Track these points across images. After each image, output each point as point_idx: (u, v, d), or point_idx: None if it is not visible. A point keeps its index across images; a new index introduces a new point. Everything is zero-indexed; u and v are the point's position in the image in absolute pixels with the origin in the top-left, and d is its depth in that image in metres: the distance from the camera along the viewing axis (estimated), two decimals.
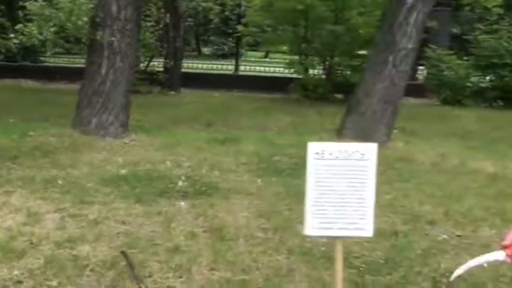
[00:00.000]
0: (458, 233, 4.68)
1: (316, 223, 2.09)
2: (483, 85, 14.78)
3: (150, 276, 3.53)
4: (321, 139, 8.26)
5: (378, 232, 3.72)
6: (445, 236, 4.58)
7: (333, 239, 2.22)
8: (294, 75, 14.72)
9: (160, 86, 14.32)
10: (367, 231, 2.14)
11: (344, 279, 3.63)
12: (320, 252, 4.05)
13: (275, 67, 17.95)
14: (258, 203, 5.18)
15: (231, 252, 3.97)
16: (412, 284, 3.63)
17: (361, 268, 3.78)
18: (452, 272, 3.80)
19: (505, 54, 14.16)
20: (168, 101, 12.86)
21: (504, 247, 1.35)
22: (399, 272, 3.77)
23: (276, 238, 4.33)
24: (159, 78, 14.55)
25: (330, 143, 2.12)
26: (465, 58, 15.33)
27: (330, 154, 2.04)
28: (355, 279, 3.63)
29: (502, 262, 1.40)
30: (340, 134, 8.37)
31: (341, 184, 2.06)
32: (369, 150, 2.07)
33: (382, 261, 3.92)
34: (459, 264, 3.97)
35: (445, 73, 14.67)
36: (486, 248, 4.35)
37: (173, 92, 14.20)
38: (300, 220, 4.73)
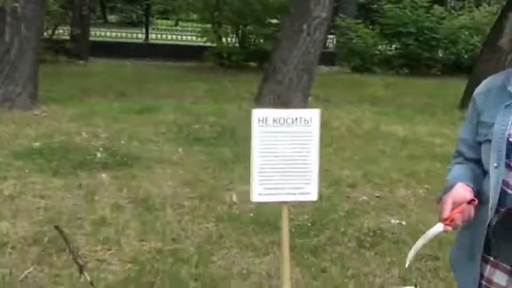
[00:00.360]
0: (377, 194, 4.90)
1: (262, 190, 2.08)
2: (389, 53, 15.38)
3: (77, 250, 3.40)
4: (240, 107, 8.28)
5: None
6: (365, 198, 4.77)
7: (278, 204, 2.23)
8: (207, 44, 14.56)
9: (67, 55, 13.67)
10: (313, 195, 2.17)
11: (274, 243, 3.72)
12: (249, 218, 4.09)
13: (187, 35, 17.66)
14: (182, 173, 5.13)
15: (159, 222, 3.92)
16: (338, 245, 3.75)
17: (290, 232, 3.84)
18: (374, 231, 4.00)
19: (409, 23, 14.77)
20: (77, 70, 12.31)
21: (444, 220, 1.43)
22: (325, 234, 3.88)
23: (203, 206, 4.32)
24: (66, 46, 13.87)
25: (274, 109, 2.11)
26: (371, 27, 15.83)
27: (274, 121, 2.03)
28: None
29: (442, 232, 1.49)
30: (258, 101, 8.41)
31: (286, 150, 2.06)
32: (313, 116, 2.09)
33: (309, 224, 4.02)
34: (381, 223, 4.20)
35: (354, 41, 15.10)
36: (403, 207, 4.61)
37: (81, 61, 13.60)
38: (227, 187, 4.78)
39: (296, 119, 2.05)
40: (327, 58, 14.56)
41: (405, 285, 3.14)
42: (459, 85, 11.65)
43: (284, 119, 2.04)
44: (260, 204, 3.93)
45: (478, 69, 9.56)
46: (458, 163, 1.66)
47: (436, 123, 8.29)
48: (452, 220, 1.43)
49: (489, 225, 1.49)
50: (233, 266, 3.36)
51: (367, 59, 14.83)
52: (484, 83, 1.62)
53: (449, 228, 1.43)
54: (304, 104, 8.37)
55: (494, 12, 15.18)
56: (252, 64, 14.22)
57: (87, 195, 4.35)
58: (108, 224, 3.81)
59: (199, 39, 15.78)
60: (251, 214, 4.14)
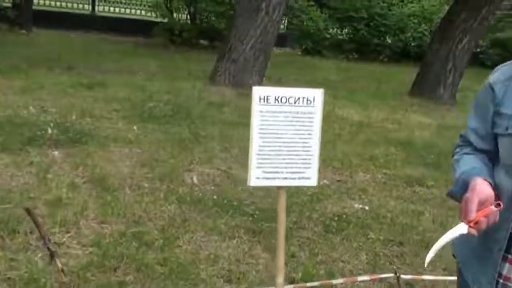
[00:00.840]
0: (337, 178, 4.88)
1: (260, 173, 1.97)
2: (340, 37, 15.43)
3: (32, 232, 3.19)
4: (194, 86, 8.09)
5: None
6: (326, 182, 4.74)
7: (276, 189, 2.12)
8: (158, 19, 14.15)
9: (9, 24, 12.94)
10: (312, 180, 2.07)
11: (240, 227, 3.63)
12: (212, 201, 3.98)
13: (136, 9, 17.09)
14: (138, 152, 4.94)
15: (119, 203, 3.74)
16: (305, 229, 3.70)
17: (255, 216, 3.78)
18: (339, 215, 3.97)
19: (361, 8, 14.85)
20: (19, 40, 11.68)
21: (469, 222, 1.32)
22: (291, 217, 3.82)
23: (163, 187, 4.16)
24: (7, 15, 13.12)
25: (276, 88, 1.99)
26: (321, 11, 15.75)
27: (276, 99, 1.92)
28: (251, 227, 3.61)
29: (459, 241, 1.39)
30: (212, 80, 8.25)
31: (287, 132, 1.95)
32: (316, 95, 1.99)
33: (274, 208, 3.92)
34: (344, 207, 4.18)
35: (306, 24, 15.05)
36: (364, 192, 4.61)
37: (23, 31, 12.90)
38: (187, 168, 4.64)
39: (299, 98, 1.95)
40: (279, 40, 14.45)
41: (374, 271, 3.13)
42: (406, 72, 11.85)
43: (286, 98, 1.93)
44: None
45: (428, 57, 9.71)
46: (467, 153, 1.57)
47: (388, 109, 8.39)
48: (476, 223, 1.33)
49: None
50: (200, 250, 3.25)
51: (318, 42, 14.83)
52: (501, 71, 1.50)
53: (474, 232, 1.33)
54: (259, 85, 8.25)
55: (443, 2, 15.50)
56: (203, 42, 13.95)
57: (39, 173, 4.11)
58: (65, 205, 3.61)
59: (148, 13, 15.31)
60: (214, 197, 4.04)
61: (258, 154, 1.94)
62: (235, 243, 3.38)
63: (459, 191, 1.44)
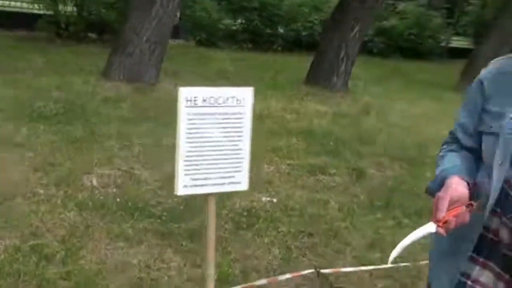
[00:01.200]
0: None
1: (188, 181, 1.84)
2: (234, 27, 15.42)
3: None
4: (86, 81, 7.69)
5: (167, 178, 3.61)
6: None
7: (205, 196, 2.00)
8: (41, 11, 13.30)
9: None
10: (243, 184, 1.98)
11: (147, 230, 3.48)
12: (115, 204, 3.77)
13: (15, 0, 15.98)
14: (30, 155, 4.58)
15: (12, 214, 3.43)
16: (216, 227, 3.60)
17: (163, 217, 3.63)
18: (248, 210, 3.93)
19: None
20: None
21: (437, 221, 1.28)
22: (200, 216, 3.70)
23: (61, 193, 3.89)
24: None
25: (203, 88, 1.86)
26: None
27: (204, 100, 1.79)
28: (159, 229, 3.47)
29: (433, 234, 1.34)
30: (106, 75, 7.88)
31: (216, 135, 1.84)
32: (246, 95, 1.89)
33: (182, 208, 3.81)
34: (252, 201, 4.14)
35: (199, 14, 14.87)
36: (270, 184, 4.60)
37: None
38: (85, 171, 4.37)
39: (228, 98, 1.84)
40: (172, 31, 14.14)
41: (289, 265, 3.11)
42: (299, 61, 12.07)
43: (214, 99, 1.81)
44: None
45: (322, 46, 9.94)
46: (452, 150, 1.51)
47: (285, 98, 8.47)
48: (445, 222, 1.29)
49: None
50: (106, 259, 3.06)
51: (212, 33, 14.71)
52: (494, 66, 1.44)
53: (442, 231, 1.29)
54: (156, 79, 8.04)
55: None
56: (92, 35, 13.32)
57: None
58: None
59: (30, 5, 14.33)
60: (118, 200, 3.83)
61: (186, 160, 1.82)
62: (143, 248, 3.22)
63: (436, 188, 1.38)
